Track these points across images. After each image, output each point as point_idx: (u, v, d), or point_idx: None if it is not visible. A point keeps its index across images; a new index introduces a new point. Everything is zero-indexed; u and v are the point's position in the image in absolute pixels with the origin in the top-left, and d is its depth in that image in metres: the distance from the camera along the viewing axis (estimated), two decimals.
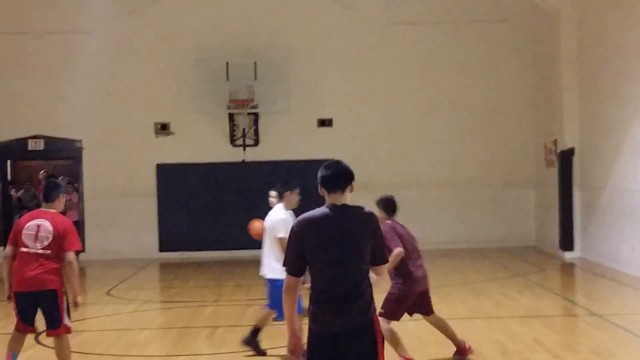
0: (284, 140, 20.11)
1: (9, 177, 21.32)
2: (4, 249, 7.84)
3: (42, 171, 21.87)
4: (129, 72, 20.06)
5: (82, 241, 19.86)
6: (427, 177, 20.13)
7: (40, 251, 7.54)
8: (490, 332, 9.99)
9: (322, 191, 5.08)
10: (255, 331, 9.00)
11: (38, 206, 23.98)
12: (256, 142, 20.09)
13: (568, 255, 17.41)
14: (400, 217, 8.52)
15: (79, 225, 20.12)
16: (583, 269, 16.30)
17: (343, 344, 4.81)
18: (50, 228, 7.57)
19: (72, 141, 20.14)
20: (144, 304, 12.93)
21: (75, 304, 7.73)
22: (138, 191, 20.01)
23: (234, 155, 19.93)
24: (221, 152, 19.87)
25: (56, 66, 19.99)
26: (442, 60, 20.28)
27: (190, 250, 19.82)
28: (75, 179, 20.69)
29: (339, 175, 5.07)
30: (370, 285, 4.99)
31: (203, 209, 19.99)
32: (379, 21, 20.27)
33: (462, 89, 20.30)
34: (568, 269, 16.61)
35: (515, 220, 20.24)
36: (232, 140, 20.05)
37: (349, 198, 5.12)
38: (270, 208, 9.22)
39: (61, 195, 7.89)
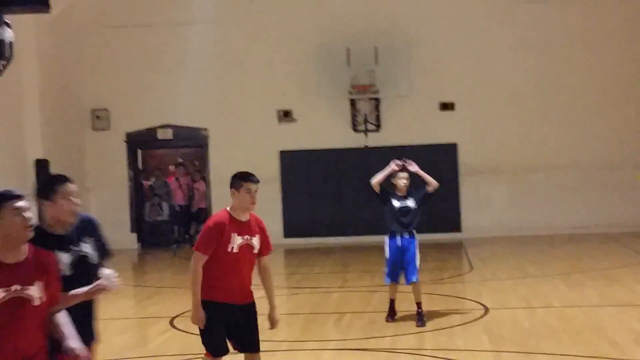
0: (406, 125, 19.96)
1: (140, 166, 21.99)
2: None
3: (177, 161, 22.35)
4: (251, 60, 20.32)
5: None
6: (554, 159, 19.55)
7: None
8: (625, 320, 9.64)
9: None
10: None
11: (169, 195, 23.72)
12: (378, 127, 20.04)
13: None
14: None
15: (206, 212, 20.61)
16: None
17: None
18: None
19: (198, 130, 20.63)
20: None
21: None
22: (262, 178, 19.82)
23: (356, 140, 19.94)
24: (343, 138, 19.91)
25: (182, 56, 20.44)
26: (567, 39, 19.65)
27: (314, 236, 19.98)
28: (202, 167, 21.19)
29: None
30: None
31: (326, 195, 20.11)
32: (500, 1, 19.84)
33: (588, 67, 19.61)
34: None
35: None
36: (354, 126, 20.06)
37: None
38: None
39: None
